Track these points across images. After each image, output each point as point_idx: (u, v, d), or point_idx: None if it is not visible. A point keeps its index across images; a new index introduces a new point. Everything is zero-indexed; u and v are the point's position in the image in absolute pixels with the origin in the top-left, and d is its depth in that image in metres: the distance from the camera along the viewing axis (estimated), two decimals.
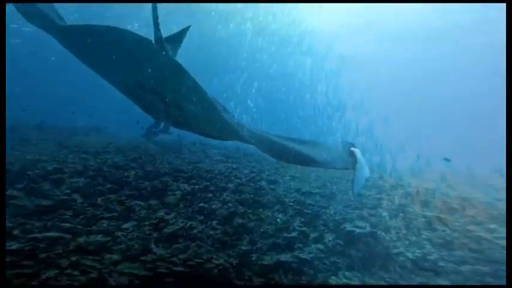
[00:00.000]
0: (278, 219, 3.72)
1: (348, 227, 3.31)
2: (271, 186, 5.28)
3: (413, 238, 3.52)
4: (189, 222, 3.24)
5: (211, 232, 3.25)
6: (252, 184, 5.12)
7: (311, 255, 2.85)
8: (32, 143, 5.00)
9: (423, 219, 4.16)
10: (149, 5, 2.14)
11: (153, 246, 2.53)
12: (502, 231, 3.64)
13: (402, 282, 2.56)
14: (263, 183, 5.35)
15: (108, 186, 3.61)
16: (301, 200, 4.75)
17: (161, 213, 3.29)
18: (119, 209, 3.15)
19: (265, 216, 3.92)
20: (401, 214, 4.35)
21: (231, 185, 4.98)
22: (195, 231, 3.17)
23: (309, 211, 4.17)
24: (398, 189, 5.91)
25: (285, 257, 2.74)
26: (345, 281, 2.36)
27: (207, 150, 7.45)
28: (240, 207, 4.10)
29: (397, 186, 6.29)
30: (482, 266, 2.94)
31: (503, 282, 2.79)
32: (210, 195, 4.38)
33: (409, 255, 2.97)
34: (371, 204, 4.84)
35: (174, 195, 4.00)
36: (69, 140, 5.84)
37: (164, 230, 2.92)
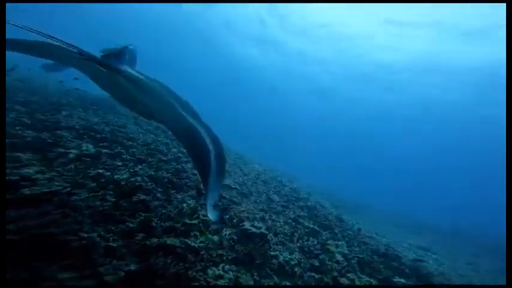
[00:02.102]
0: (185, 205, 3.37)
1: (246, 225, 3.28)
2: (195, 171, 4.89)
3: (291, 244, 3.77)
4: (70, 188, 2.54)
5: (98, 203, 2.63)
6: (174, 163, 4.60)
7: (202, 244, 2.63)
8: None
9: (305, 230, 4.57)
10: None
11: None
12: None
13: (263, 281, 2.64)
14: (187, 166, 4.90)
15: None
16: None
17: (31, 170, 2.46)
18: None
19: (174, 198, 3.51)
20: (293, 223, 4.68)
21: (150, 159, 4.34)
22: (74, 198, 2.49)
23: (220, 204, 3.98)
24: (301, 202, 6.44)
25: (173, 241, 2.42)
26: (219, 273, 2.23)
27: (139, 117, 6.44)
28: (151, 183, 3.57)
29: (302, 199, 6.84)
30: (316, 274, 3.30)
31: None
32: (119, 163, 3.67)
33: (281, 258, 3.12)
34: (276, 209, 5.07)
35: (67, 153, 3.14)
36: None
37: (22, 190, 2.17)
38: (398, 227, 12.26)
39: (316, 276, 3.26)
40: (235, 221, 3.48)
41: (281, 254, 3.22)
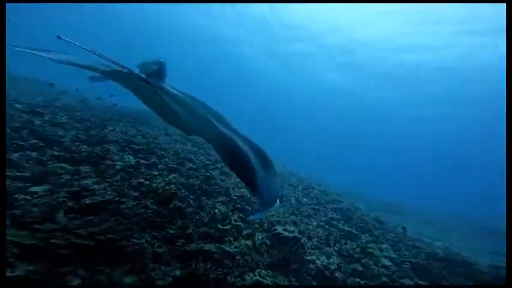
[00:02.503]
0: (217, 210, 3.53)
1: (278, 229, 3.30)
2: (222, 177, 5.08)
3: (327, 248, 3.68)
4: (120, 197, 2.85)
5: (142, 210, 2.91)
6: (203, 171, 4.85)
7: (237, 249, 2.73)
8: None
9: (341, 233, 4.42)
10: None
11: (59, 215, 2.12)
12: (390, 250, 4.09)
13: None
14: (215, 172, 5.11)
15: (33, 141, 2.98)
16: (247, 196, 4.65)
17: (89, 181, 2.83)
18: (36, 169, 2.61)
19: (206, 204, 3.70)
20: (326, 226, 4.56)
21: (181, 168, 4.64)
22: (123, 206, 2.80)
23: (250, 209, 4.08)
24: (333, 204, 6.24)
25: (209, 246, 2.57)
26: (257, 278, 2.30)
27: (169, 127, 6.91)
28: (184, 191, 3.81)
29: (334, 201, 6.65)
30: (361, 279, 3.19)
31: None
32: (156, 173, 3.99)
33: (318, 263, 3.06)
34: (307, 212, 4.99)
35: (114, 165, 3.53)
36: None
37: (84, 200, 2.50)
38: (449, 228, 11.01)
39: (362, 282, 3.12)
40: (266, 225, 3.54)
41: (318, 259, 3.17)
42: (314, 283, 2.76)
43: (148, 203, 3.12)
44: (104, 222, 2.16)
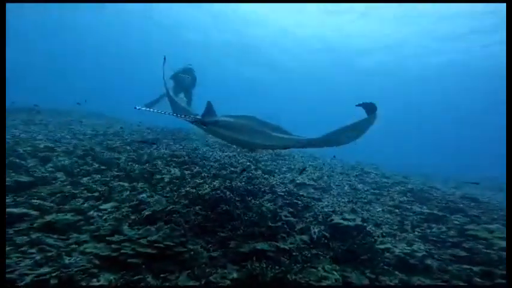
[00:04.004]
0: (264, 208, 3.47)
1: (336, 219, 3.00)
2: (265, 176, 5.02)
3: (405, 234, 3.16)
4: (171, 206, 3.06)
5: (193, 217, 3.05)
6: (245, 173, 4.88)
7: (292, 245, 2.59)
8: (35, 123, 4.99)
9: (419, 216, 3.77)
10: None
11: (125, 227, 2.37)
12: (503, 231, 3.21)
13: (382, 278, 2.26)
14: (258, 172, 5.09)
15: (96, 166, 3.48)
16: (294, 191, 4.46)
17: (144, 195, 3.13)
18: (102, 189, 3.02)
19: (252, 204, 3.68)
20: (396, 210, 3.98)
21: (224, 172, 4.77)
22: (175, 215, 2.99)
23: (299, 202, 3.88)
24: (399, 186, 5.48)
25: (262, 245, 2.50)
26: (322, 274, 2.09)
27: (209, 139, 7.26)
28: (229, 193, 3.88)
29: (399, 183, 5.85)
30: (472, 265, 2.57)
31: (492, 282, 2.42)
32: (200, 180, 4.18)
33: (397, 251, 2.63)
34: (367, 199, 4.48)
35: (163, 178, 3.84)
36: (70, 123, 5.81)
37: (143, 212, 2.76)
38: None
39: (475, 269, 2.59)
40: (321, 217, 3.30)
41: (395, 247, 2.77)
42: (397, 273, 2.39)
43: (197, 208, 3.26)
44: (159, 230, 2.31)
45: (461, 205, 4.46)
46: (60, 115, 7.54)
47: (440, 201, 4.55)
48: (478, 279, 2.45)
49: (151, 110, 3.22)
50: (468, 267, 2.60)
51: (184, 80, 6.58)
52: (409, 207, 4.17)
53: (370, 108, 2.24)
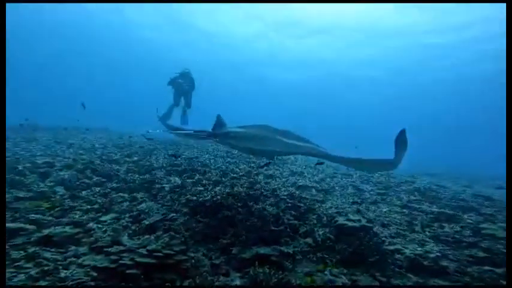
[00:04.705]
0: (267, 212, 3.41)
1: (341, 220, 2.93)
2: (267, 180, 4.98)
3: (415, 235, 3.06)
4: (172, 214, 3.04)
5: (194, 225, 3.01)
6: (246, 178, 4.84)
7: (296, 249, 2.52)
8: (36, 140, 5.07)
9: (430, 216, 3.66)
10: None
11: (125, 237, 2.35)
12: None
13: (395, 281, 2.17)
14: (259, 177, 5.05)
15: (95, 179, 3.49)
16: (296, 194, 4.40)
17: (144, 205, 3.12)
18: (101, 201, 3.01)
19: (254, 209, 3.63)
20: (404, 210, 3.88)
21: (224, 179, 4.74)
22: (176, 223, 2.95)
23: (302, 205, 3.82)
24: (405, 185, 5.38)
25: (265, 250, 2.44)
26: (328, 277, 2.02)
27: (210, 146, 7.28)
28: (230, 199, 3.84)
29: (405, 182, 5.74)
30: (490, 267, 2.45)
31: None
32: (201, 188, 4.16)
33: (407, 252, 2.53)
34: (371, 199, 4.39)
35: (163, 187, 3.83)
36: (69, 137, 5.89)
37: (143, 222, 2.74)
38: None
39: (498, 271, 2.44)
40: (325, 219, 3.23)
41: (405, 247, 2.67)
42: (410, 275, 2.29)
43: (199, 217, 3.22)
44: (158, 239, 2.28)
45: (474, 203, 4.33)
46: (58, 132, 7.65)
47: (449, 201, 4.44)
48: (503, 282, 2.31)
49: (164, 131, 3.42)
50: (489, 268, 2.48)
51: (182, 85, 6.82)
52: (417, 206, 4.07)
53: (400, 147, 2.16)
